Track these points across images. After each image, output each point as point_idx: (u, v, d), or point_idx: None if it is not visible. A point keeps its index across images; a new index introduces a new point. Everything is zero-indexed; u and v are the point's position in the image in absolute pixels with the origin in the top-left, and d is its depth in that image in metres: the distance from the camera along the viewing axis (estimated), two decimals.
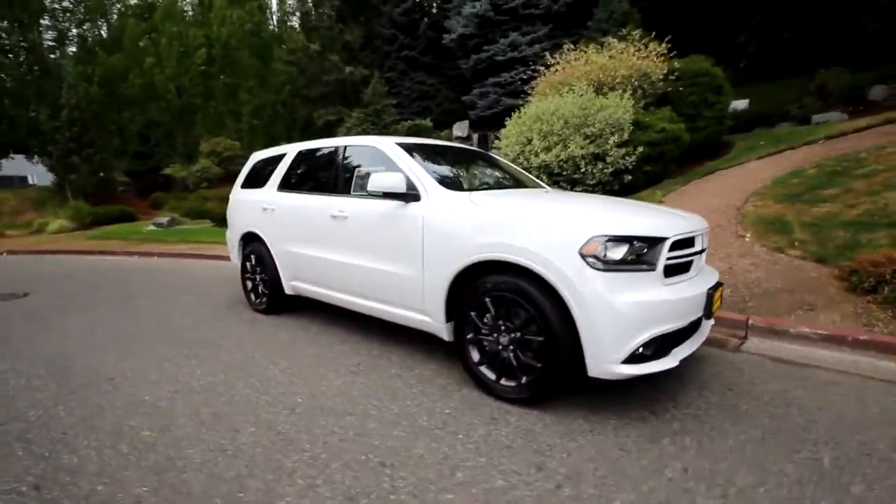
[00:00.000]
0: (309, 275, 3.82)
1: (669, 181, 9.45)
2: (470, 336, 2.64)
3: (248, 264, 4.53)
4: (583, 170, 8.84)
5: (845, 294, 4.00)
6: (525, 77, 18.38)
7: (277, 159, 4.39)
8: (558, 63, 11.69)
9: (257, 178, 4.62)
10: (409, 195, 2.91)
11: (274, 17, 31.11)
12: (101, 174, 18.92)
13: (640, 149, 8.81)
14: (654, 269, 2.23)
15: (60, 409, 2.53)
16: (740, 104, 14.47)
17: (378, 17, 24.88)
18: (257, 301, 4.46)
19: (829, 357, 3.16)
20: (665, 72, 10.48)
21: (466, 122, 19.92)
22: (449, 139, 20.94)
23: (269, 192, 4.25)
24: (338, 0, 24.92)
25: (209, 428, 2.27)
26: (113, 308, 4.81)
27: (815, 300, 3.97)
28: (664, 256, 2.25)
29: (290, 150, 4.26)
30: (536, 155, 9.01)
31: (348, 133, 19.71)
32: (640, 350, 2.17)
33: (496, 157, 4.30)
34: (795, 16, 15.31)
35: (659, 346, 2.25)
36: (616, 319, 2.12)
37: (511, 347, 2.45)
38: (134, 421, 2.36)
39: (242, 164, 4.43)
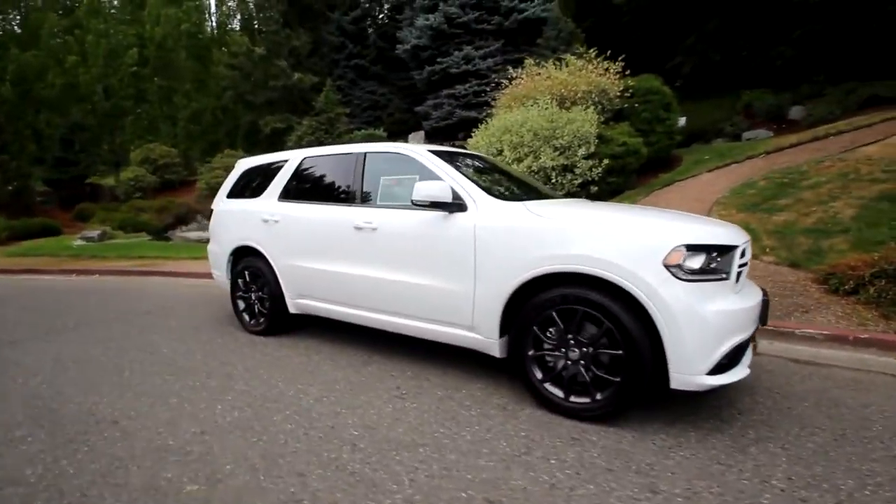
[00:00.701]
0: (322, 291, 3.53)
1: (632, 192, 9.94)
2: (531, 353, 2.53)
3: (240, 282, 4.13)
4: (553, 180, 9.08)
5: (829, 296, 4.33)
6: (480, 90, 18.79)
7: (275, 167, 4.06)
8: (520, 77, 11.99)
9: (248, 188, 4.25)
10: (454, 205, 2.77)
11: (213, 19, 29.50)
12: (16, 183, 16.78)
13: (606, 161, 9.20)
14: (728, 278, 2.25)
15: (65, 463, 2.11)
16: (679, 121, 15.62)
17: (326, 24, 24.34)
18: (253, 322, 4.07)
19: (839, 356, 3.38)
20: (621, 89, 11.10)
21: (422, 133, 19.89)
22: None
23: (269, 202, 3.91)
24: (284, 5, 24.10)
25: (267, 474, 1.97)
26: (77, 336, 4.19)
27: (805, 302, 4.26)
28: (737, 264, 2.28)
29: (293, 157, 3.95)
30: (509, 165, 9.11)
31: (299, 142, 19.01)
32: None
33: (503, 164, 4.24)
34: (723, 40, 16.84)
35: (733, 355, 2.26)
36: (704, 330, 2.11)
37: (582, 363, 2.37)
38: (169, 472, 2.01)
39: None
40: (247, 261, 4.07)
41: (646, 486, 1.84)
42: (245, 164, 4.45)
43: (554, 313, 2.42)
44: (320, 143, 17.81)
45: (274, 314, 3.88)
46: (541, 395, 2.51)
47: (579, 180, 9.15)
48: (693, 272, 2.17)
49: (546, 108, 9.89)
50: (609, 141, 9.84)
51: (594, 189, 9.26)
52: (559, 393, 2.45)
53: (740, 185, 8.24)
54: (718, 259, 2.24)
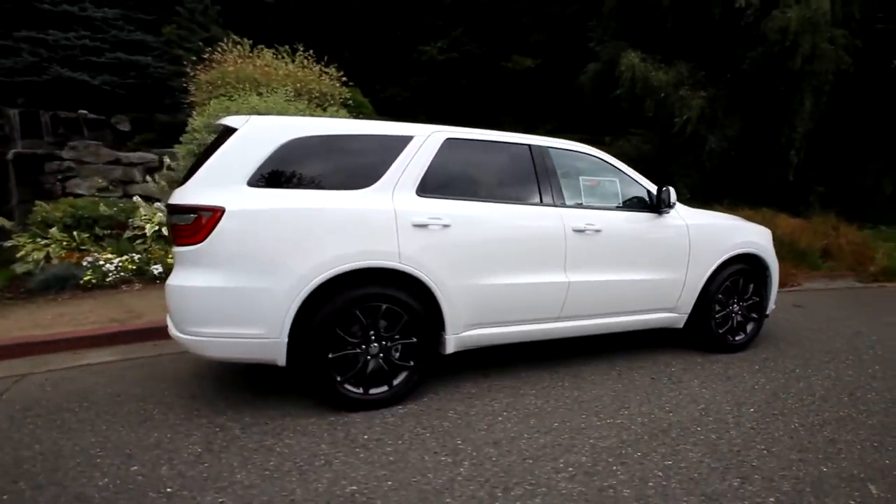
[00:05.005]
0: (514, 312, 2.92)
1: None
2: (717, 316, 3.55)
3: (339, 332, 2.47)
4: None
5: None
6: (96, 46, 13.72)
7: (381, 143, 2.70)
8: (226, 57, 10.18)
9: (308, 172, 2.57)
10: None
11: None
12: None
13: None
14: None
15: None
16: None
17: None
18: (378, 387, 2.57)
19: None
20: (343, 97, 11.50)
21: None
22: None
23: (405, 197, 2.62)
24: None
25: None
26: None
27: None
28: None
29: (423, 135, 2.80)
30: None
31: None
32: None
33: None
34: (357, 71, 19.96)
35: None
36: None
37: (741, 313, 3.65)
38: None
39: None
40: (352, 294, 2.48)
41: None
42: (287, 128, 2.55)
43: (728, 283, 3.54)
44: None
45: (425, 364, 2.67)
46: (726, 344, 3.58)
47: None
48: None
49: (292, 100, 9.19)
50: None
51: None
52: (738, 337, 3.61)
53: None
54: None
